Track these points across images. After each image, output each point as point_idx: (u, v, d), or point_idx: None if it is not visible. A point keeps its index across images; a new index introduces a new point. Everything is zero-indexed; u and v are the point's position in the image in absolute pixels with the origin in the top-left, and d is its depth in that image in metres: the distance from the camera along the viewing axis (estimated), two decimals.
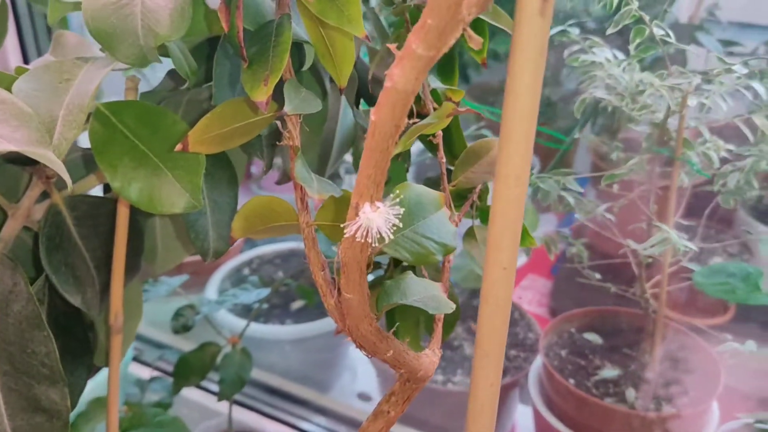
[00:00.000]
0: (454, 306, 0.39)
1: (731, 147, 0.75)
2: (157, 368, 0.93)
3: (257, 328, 0.97)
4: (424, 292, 0.39)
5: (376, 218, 0.29)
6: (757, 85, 0.69)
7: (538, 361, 0.89)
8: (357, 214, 0.29)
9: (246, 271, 1.12)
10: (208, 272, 1.09)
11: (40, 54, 0.94)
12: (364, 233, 0.29)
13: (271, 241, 1.19)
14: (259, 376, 0.99)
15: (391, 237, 0.29)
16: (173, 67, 0.50)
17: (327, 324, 0.99)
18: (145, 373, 0.93)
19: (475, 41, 0.28)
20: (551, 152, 1.05)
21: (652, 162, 0.72)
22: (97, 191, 0.50)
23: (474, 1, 0.25)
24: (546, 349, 0.87)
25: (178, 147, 0.37)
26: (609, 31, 0.63)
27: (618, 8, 0.65)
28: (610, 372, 0.84)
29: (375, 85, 0.51)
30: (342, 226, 0.30)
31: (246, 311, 1.01)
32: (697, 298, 1.01)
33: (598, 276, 0.84)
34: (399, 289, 0.38)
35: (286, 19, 0.35)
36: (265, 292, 0.80)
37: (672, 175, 0.71)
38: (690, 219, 0.84)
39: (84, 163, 0.48)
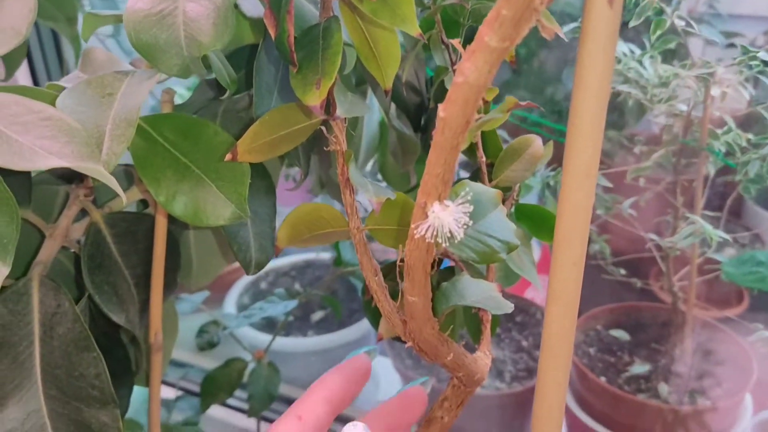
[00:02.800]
0: (512, 306, 0.38)
1: (750, 136, 0.75)
2: (181, 388, 0.92)
3: (279, 341, 0.96)
4: (481, 293, 0.38)
5: (446, 217, 0.28)
6: None
7: None
8: (425, 214, 0.28)
9: (263, 284, 1.11)
10: (225, 287, 1.08)
11: (49, 77, 0.93)
12: (434, 233, 0.28)
13: (286, 253, 1.18)
14: (283, 390, 0.98)
15: (462, 236, 0.28)
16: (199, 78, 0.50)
17: (349, 334, 0.98)
18: (170, 393, 0.92)
19: (548, 31, 0.27)
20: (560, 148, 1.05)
21: (677, 154, 0.72)
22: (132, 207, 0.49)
23: None
24: (574, 347, 0.86)
25: (228, 157, 0.36)
26: (632, 23, 0.62)
27: (637, 2, 0.64)
28: (640, 368, 0.83)
29: (408, 90, 0.50)
30: (411, 226, 0.29)
31: (266, 325, 1.00)
32: (716, 288, 1.01)
33: (622, 272, 0.84)
34: (456, 291, 0.38)
35: (335, 21, 0.34)
36: (292, 304, 0.79)
37: (698, 166, 0.71)
38: (709, 210, 0.84)
39: (123, 177, 0.47)
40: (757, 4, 1.28)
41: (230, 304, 1.05)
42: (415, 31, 0.33)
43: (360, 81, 0.56)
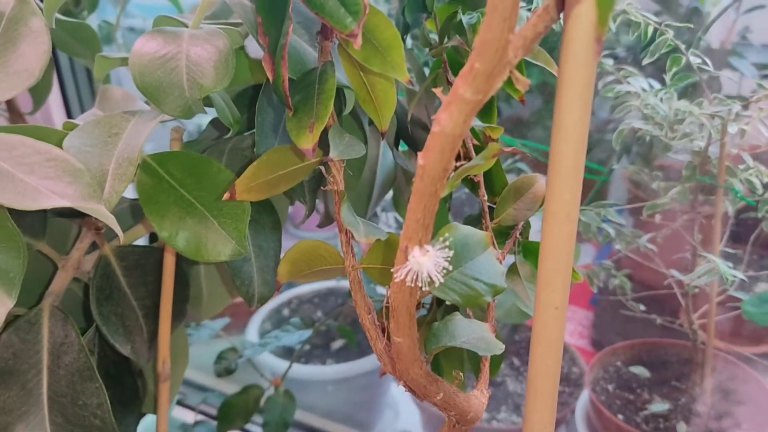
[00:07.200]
0: (503, 347, 0.38)
1: None
2: (200, 412, 0.93)
3: (298, 369, 0.97)
4: (472, 334, 0.38)
5: (425, 262, 0.29)
6: None
7: (585, 397, 0.87)
8: (406, 258, 0.29)
9: (285, 311, 1.13)
10: (248, 314, 1.10)
11: (82, 108, 0.97)
12: (414, 277, 0.29)
13: None
14: (301, 417, 0.99)
15: (441, 280, 0.29)
16: (215, 116, 0.52)
17: (368, 363, 0.99)
18: (189, 416, 0.93)
19: (522, 83, 0.28)
20: (587, 183, 1.04)
21: (695, 190, 0.71)
22: (143, 240, 0.51)
23: (520, 44, 0.25)
24: (592, 383, 0.85)
25: (226, 196, 0.38)
26: (645, 61, 0.62)
27: (653, 38, 0.64)
28: (659, 406, 0.82)
29: (414, 126, 0.51)
30: (392, 270, 0.29)
31: (287, 352, 1.01)
32: (740, 326, 0.99)
33: (642, 307, 0.83)
34: (447, 331, 0.38)
35: (330, 66, 0.35)
36: (307, 333, 0.80)
37: (716, 203, 0.70)
38: (734, 246, 0.82)
39: (131, 213, 0.48)
40: None
41: (253, 330, 1.06)
42: (404, 77, 0.34)
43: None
